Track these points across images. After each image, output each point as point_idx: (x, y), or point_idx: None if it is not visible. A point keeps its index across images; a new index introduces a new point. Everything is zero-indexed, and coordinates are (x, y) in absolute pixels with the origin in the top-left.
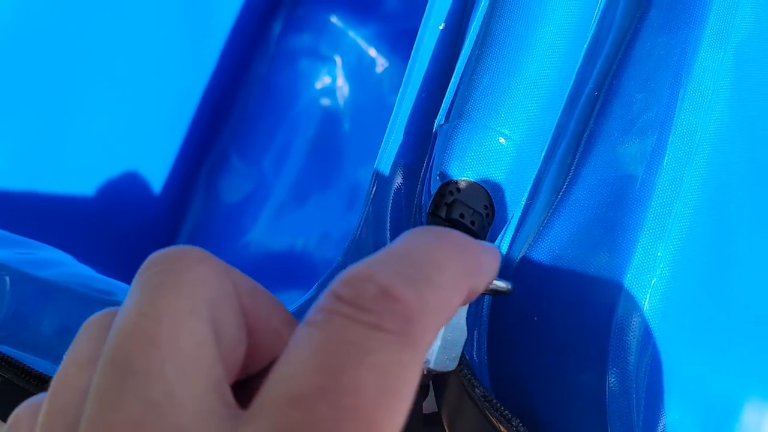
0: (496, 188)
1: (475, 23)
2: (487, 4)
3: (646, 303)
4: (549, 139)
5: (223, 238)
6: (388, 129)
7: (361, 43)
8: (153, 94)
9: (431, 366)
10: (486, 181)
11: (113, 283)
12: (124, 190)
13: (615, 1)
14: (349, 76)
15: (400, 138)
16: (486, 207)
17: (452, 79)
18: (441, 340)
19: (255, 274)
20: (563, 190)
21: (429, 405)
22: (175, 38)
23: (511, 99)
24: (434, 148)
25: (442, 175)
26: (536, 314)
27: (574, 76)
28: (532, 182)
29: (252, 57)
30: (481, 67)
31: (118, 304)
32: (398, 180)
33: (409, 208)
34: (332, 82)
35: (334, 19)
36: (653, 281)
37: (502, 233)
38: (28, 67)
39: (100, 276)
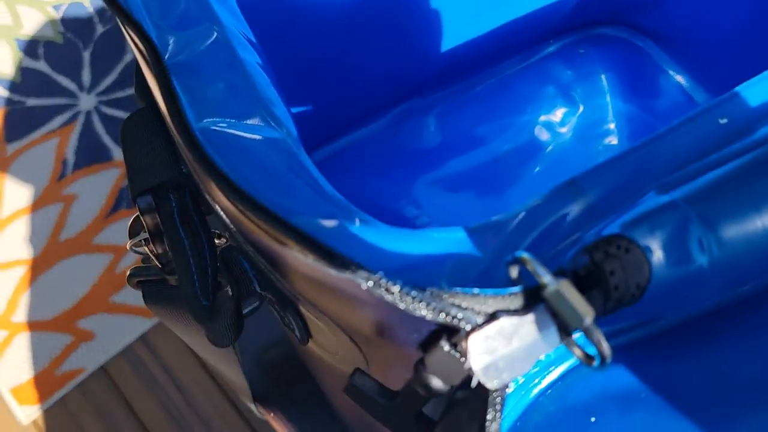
0: (659, 287)
1: None
2: None
3: None
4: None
5: None
6: None
7: None
8: None
9: (476, 368)
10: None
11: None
12: None
13: None
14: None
15: None
16: (638, 287)
17: None
18: (505, 359)
19: None
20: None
21: None
22: None
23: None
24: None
25: (625, 228)
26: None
27: None
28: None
29: None
30: None
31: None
32: None
33: None
34: None
35: None
36: None
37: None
38: None
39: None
